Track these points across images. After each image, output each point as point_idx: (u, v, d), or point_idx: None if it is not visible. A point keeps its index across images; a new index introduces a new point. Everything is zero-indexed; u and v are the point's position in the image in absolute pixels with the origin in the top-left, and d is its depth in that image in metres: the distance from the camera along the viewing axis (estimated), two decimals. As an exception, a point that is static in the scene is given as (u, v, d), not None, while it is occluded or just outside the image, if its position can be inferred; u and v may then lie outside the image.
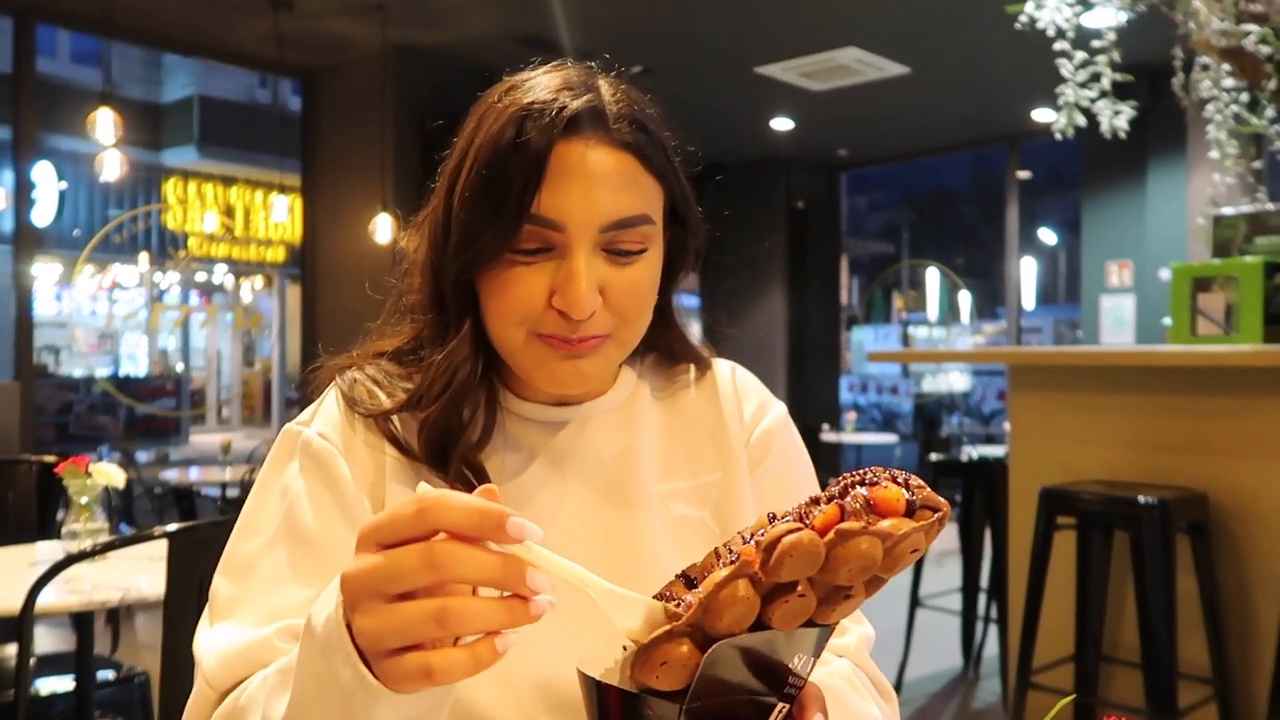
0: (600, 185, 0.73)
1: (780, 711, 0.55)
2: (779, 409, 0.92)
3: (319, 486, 0.76)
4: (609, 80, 0.78)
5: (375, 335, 0.85)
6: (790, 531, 0.49)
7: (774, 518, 0.52)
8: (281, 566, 0.73)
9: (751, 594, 0.49)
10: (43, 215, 10.72)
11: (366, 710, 0.50)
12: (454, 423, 0.77)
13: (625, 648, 0.53)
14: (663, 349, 0.89)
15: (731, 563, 0.50)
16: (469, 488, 0.74)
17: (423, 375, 0.78)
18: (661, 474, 0.84)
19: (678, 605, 0.52)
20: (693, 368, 0.90)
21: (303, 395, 7.33)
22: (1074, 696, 0.63)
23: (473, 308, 0.78)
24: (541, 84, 0.75)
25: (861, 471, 0.53)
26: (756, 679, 0.52)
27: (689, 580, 0.53)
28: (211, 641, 0.71)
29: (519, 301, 0.74)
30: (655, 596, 0.53)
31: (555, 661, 0.72)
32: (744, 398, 0.90)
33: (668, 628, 0.50)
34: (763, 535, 0.50)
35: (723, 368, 0.92)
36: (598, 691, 0.53)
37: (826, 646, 0.74)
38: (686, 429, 0.87)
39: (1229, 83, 3.17)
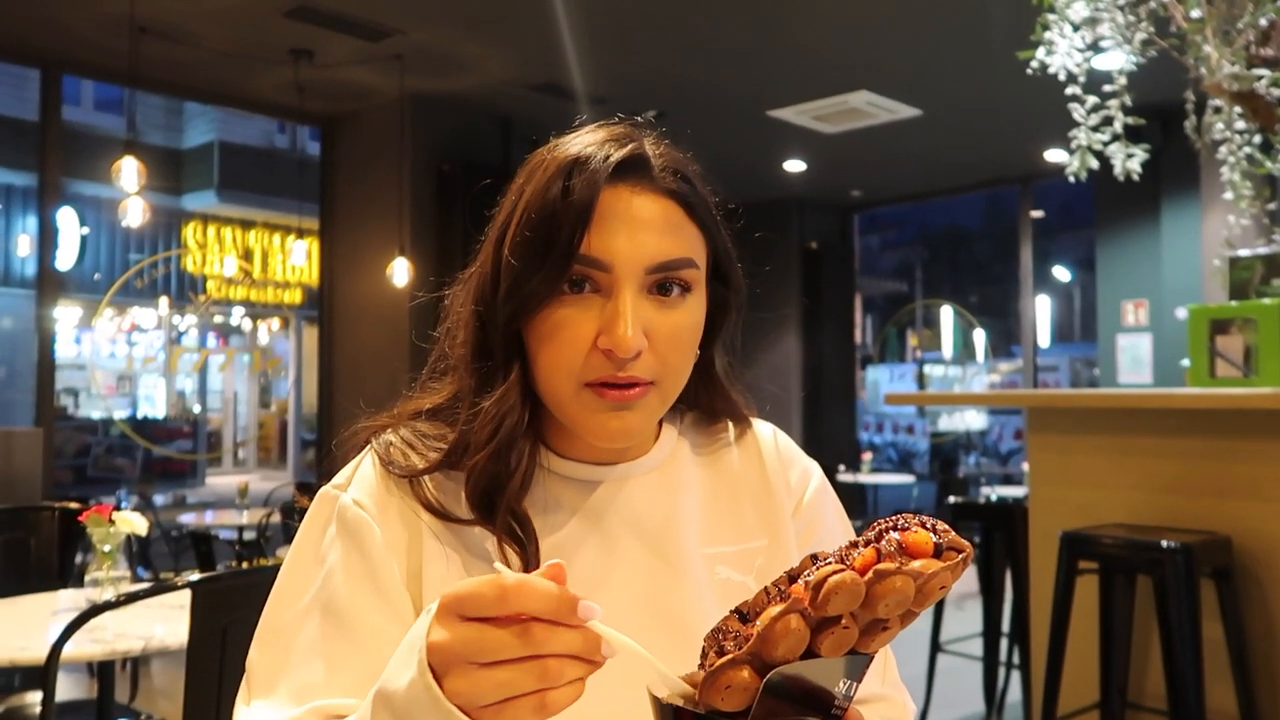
0: (646, 229, 0.76)
1: None
2: (818, 474, 0.93)
3: (354, 557, 0.77)
4: (652, 136, 0.81)
5: (417, 392, 0.86)
6: (835, 572, 0.56)
7: (815, 559, 0.59)
8: (314, 641, 0.74)
9: (803, 626, 0.56)
10: (65, 260, 10.88)
11: None
12: (501, 471, 0.77)
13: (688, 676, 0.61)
14: (704, 406, 0.90)
15: (782, 599, 0.57)
16: (515, 540, 0.76)
17: (466, 425, 0.79)
18: (705, 536, 0.84)
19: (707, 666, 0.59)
20: (731, 426, 0.91)
21: (319, 439, 7.35)
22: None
23: (520, 356, 0.79)
24: (587, 138, 0.79)
25: (893, 518, 0.60)
26: (807, 701, 0.59)
27: (742, 615, 0.59)
28: None
29: (567, 345, 0.75)
30: (711, 630, 0.59)
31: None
32: (789, 465, 0.91)
33: (731, 656, 0.57)
34: (810, 575, 0.57)
35: (764, 430, 0.93)
36: (673, 714, 0.59)
37: (877, 715, 0.83)
38: (730, 492, 0.88)
39: (1241, 125, 3.18)
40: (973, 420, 12.75)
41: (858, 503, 8.24)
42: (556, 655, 0.53)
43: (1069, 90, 3.19)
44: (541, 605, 0.53)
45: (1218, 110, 3.26)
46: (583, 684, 0.55)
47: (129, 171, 4.55)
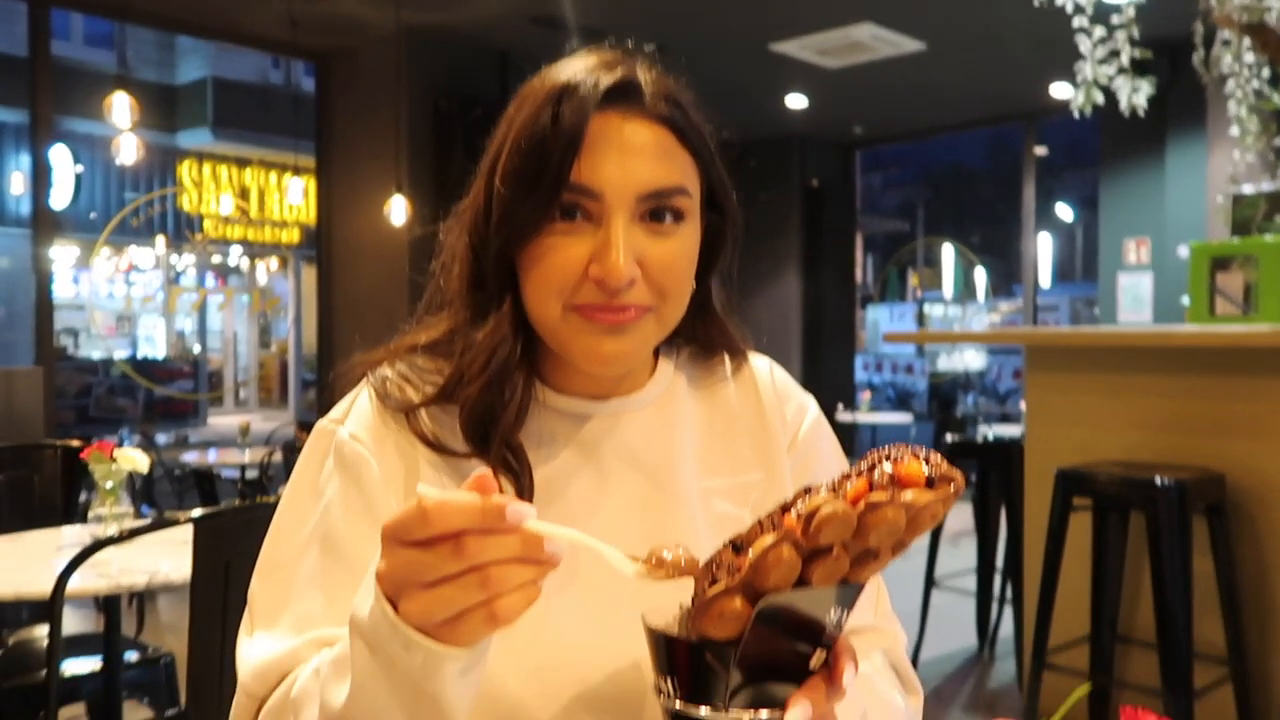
0: (637, 155, 0.74)
1: (819, 657, 0.62)
2: (814, 408, 0.93)
3: (351, 491, 0.77)
4: (645, 63, 0.79)
5: (413, 327, 0.85)
6: (827, 503, 0.56)
7: (808, 491, 0.58)
8: (314, 573, 0.75)
9: (794, 556, 0.56)
10: (60, 199, 10.78)
11: (438, 672, 0.57)
12: (495, 402, 0.77)
13: (682, 605, 0.61)
14: (701, 340, 0.89)
15: (775, 530, 0.57)
16: (510, 471, 0.76)
17: (460, 357, 0.78)
18: (702, 470, 0.85)
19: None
20: (728, 360, 0.91)
21: (320, 379, 7.38)
22: (1089, 687, 0.66)
23: (512, 286, 0.78)
24: (577, 64, 0.77)
25: (886, 448, 0.60)
26: (798, 629, 0.60)
27: (736, 547, 0.59)
28: (250, 652, 0.75)
29: (557, 271, 0.74)
30: (705, 562, 0.59)
31: (591, 657, 0.74)
32: (785, 399, 0.91)
33: (723, 585, 0.57)
34: (802, 506, 0.57)
35: (760, 364, 0.92)
36: (665, 643, 0.60)
37: (869, 645, 0.83)
38: (727, 425, 0.88)
39: (1250, 59, 3.13)
40: (971, 360, 12.77)
41: (855, 441, 8.29)
42: (497, 563, 0.53)
43: (1076, 22, 3.13)
44: (465, 519, 0.53)
45: (1226, 43, 3.21)
46: (536, 588, 0.55)
47: (121, 107, 4.48)
